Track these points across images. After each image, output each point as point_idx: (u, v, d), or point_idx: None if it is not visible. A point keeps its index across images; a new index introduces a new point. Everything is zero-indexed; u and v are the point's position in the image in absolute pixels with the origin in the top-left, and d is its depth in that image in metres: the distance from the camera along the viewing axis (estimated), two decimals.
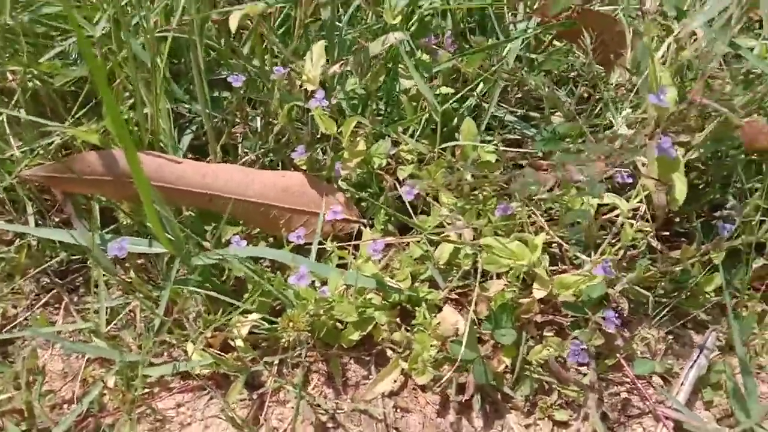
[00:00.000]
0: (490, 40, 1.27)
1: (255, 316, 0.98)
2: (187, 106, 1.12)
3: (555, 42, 1.27)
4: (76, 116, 1.05)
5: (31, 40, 1.10)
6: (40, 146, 1.02)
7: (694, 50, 0.89)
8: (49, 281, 1.14)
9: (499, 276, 1.05)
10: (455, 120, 1.17)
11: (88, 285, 1.17)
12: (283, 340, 0.93)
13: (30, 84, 1.05)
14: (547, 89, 1.02)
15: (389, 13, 1.06)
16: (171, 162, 1.00)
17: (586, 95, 1.32)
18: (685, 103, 0.77)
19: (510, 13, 1.35)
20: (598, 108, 1.23)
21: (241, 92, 1.14)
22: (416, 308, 0.98)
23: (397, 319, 1.01)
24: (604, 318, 0.88)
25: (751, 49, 0.95)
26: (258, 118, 1.21)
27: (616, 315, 0.89)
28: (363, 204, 1.15)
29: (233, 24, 0.93)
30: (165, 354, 1.04)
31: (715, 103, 0.74)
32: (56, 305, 1.14)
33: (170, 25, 1.00)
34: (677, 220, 1.20)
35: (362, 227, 1.13)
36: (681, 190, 0.85)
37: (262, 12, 0.96)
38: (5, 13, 1.04)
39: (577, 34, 1.22)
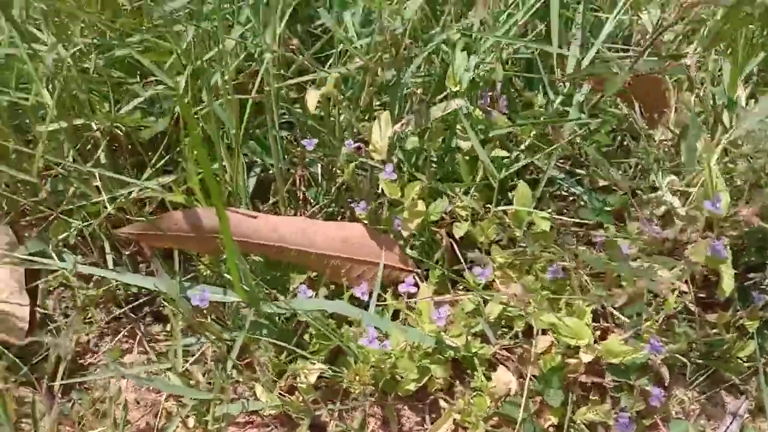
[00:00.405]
0: (538, 94, 1.33)
1: (320, 366, 1.06)
2: (257, 160, 1.19)
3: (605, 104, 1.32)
4: (156, 167, 1.12)
5: (107, 86, 1.17)
6: (122, 195, 1.09)
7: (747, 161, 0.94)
8: (119, 311, 1.22)
9: (545, 332, 1.13)
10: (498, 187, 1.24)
11: (156, 315, 1.25)
12: (349, 390, 1.01)
13: (114, 134, 1.12)
14: (602, 166, 1.08)
15: (452, 80, 1.13)
16: (247, 217, 1.07)
17: (628, 145, 1.38)
18: (738, 213, 0.83)
19: (558, 68, 1.41)
20: (640, 166, 1.29)
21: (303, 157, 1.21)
22: (471, 369, 1.05)
23: (451, 372, 1.09)
24: (648, 389, 0.95)
25: None
26: (319, 165, 1.28)
27: (661, 390, 0.96)
28: (414, 252, 1.22)
29: (311, 104, 1.00)
30: (231, 389, 1.13)
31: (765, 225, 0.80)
32: (125, 333, 1.22)
33: (249, 86, 1.07)
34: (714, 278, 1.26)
35: (416, 278, 1.20)
36: (728, 283, 0.92)
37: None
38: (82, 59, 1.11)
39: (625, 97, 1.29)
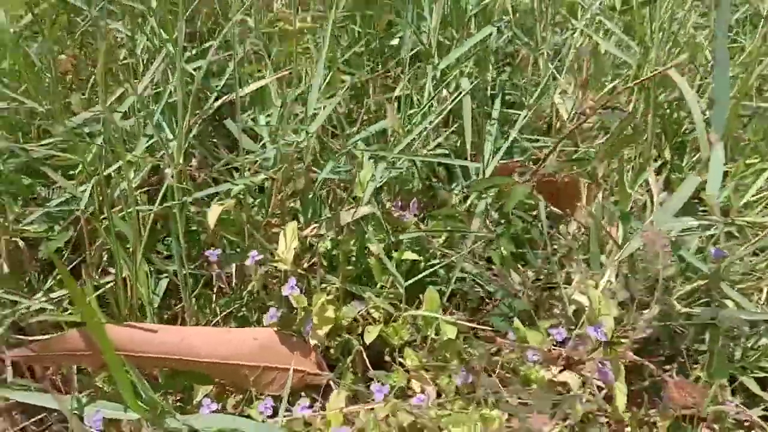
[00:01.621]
0: (453, 192, 1.37)
1: None
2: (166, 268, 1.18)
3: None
4: (58, 277, 1.10)
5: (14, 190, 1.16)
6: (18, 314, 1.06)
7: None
8: None
9: None
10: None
11: None
12: None
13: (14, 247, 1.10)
14: (504, 276, 1.10)
15: (360, 187, 1.15)
16: (146, 332, 1.05)
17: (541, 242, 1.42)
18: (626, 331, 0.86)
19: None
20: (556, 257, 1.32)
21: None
22: None
23: None
24: None
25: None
26: (225, 275, 1.27)
27: None
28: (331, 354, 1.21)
29: (212, 221, 1.01)
30: None
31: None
32: None
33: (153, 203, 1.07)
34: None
35: (331, 382, 1.18)
36: (621, 400, 0.93)
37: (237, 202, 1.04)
38: None
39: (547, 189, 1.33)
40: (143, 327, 1.05)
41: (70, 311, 0.96)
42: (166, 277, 1.19)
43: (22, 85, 1.19)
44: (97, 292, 1.04)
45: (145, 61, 1.26)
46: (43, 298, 1.00)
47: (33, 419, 1.13)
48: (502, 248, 1.16)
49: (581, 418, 1.05)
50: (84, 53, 1.44)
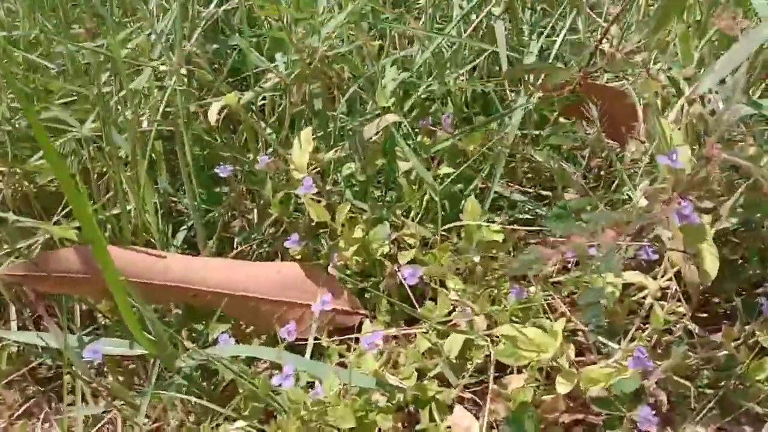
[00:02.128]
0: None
1: (240, 423, 0.87)
2: (175, 199, 1.08)
3: (561, 120, 1.21)
4: (61, 215, 1.01)
5: (28, 144, 1.09)
6: (22, 247, 0.97)
7: (710, 111, 0.82)
8: (33, 390, 1.06)
9: (519, 370, 0.94)
10: (461, 203, 1.10)
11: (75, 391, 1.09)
12: None
13: (19, 186, 1.02)
14: (553, 162, 0.95)
15: (381, 95, 1.03)
16: (152, 257, 0.94)
17: (600, 172, 1.25)
18: (703, 161, 0.68)
19: (513, 93, 1.32)
20: (615, 184, 1.15)
21: (237, 185, 1.10)
22: (421, 411, 0.86)
23: (401, 425, 0.89)
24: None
25: None
26: (255, 210, 1.17)
27: (654, 412, 0.77)
28: (366, 295, 1.06)
29: (212, 117, 0.90)
30: None
31: (737, 159, 0.66)
32: (40, 415, 1.05)
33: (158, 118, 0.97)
34: (716, 300, 1.08)
35: (364, 320, 1.04)
36: (712, 263, 0.75)
37: (249, 101, 0.93)
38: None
39: (579, 112, 1.18)
40: (150, 252, 0.94)
41: (67, 224, 0.86)
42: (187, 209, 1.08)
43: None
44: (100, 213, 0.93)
45: None
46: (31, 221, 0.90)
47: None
48: (551, 139, 1.00)
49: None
50: None
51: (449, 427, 0.83)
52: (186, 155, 0.96)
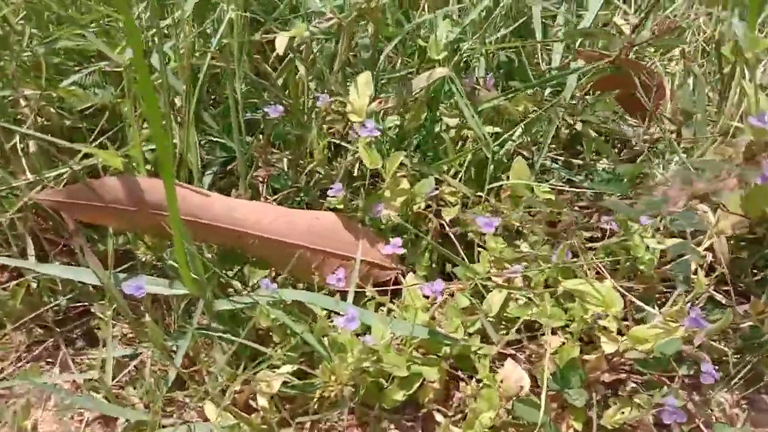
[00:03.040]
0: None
1: (286, 368, 0.86)
2: (215, 139, 1.04)
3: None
4: (94, 144, 0.95)
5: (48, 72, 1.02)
6: (49, 177, 0.92)
7: None
8: (43, 332, 1.01)
9: (554, 332, 0.96)
10: (492, 167, 1.11)
11: (89, 338, 1.04)
12: (323, 396, 0.81)
13: (45, 111, 0.96)
14: (613, 123, 0.96)
15: (434, 47, 1.01)
16: (199, 194, 0.90)
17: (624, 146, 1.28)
18: None
19: (544, 62, 1.32)
20: (639, 159, 1.18)
21: (269, 131, 1.06)
22: (471, 364, 0.86)
23: (446, 377, 0.89)
24: (702, 373, 0.78)
25: None
26: (285, 160, 1.14)
27: (711, 365, 0.79)
28: (403, 251, 1.05)
29: (281, 46, 0.87)
30: (175, 416, 0.91)
31: None
32: (50, 360, 1.01)
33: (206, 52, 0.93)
34: (740, 275, 1.12)
35: (400, 275, 1.03)
36: None
37: (306, 40, 0.90)
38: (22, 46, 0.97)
39: (612, 85, 1.19)
40: (196, 190, 0.90)
41: (110, 154, 0.81)
42: (220, 164, 1.04)
43: None
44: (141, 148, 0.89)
45: None
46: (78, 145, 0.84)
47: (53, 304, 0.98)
48: (599, 106, 1.01)
49: None
50: None
51: (501, 381, 0.83)
52: (236, 90, 0.92)
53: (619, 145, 1.31)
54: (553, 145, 1.26)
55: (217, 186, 1.15)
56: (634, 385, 0.93)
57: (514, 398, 0.81)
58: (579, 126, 1.08)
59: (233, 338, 0.84)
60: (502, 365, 0.90)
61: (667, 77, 1.31)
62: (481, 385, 0.82)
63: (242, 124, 0.96)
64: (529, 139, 1.07)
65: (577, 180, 1.12)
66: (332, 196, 0.99)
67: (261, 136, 1.15)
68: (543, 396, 0.77)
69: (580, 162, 1.18)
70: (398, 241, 0.74)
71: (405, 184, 0.96)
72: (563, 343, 0.93)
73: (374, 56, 1.06)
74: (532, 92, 1.13)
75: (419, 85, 1.01)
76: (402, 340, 0.88)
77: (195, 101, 0.91)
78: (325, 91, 0.98)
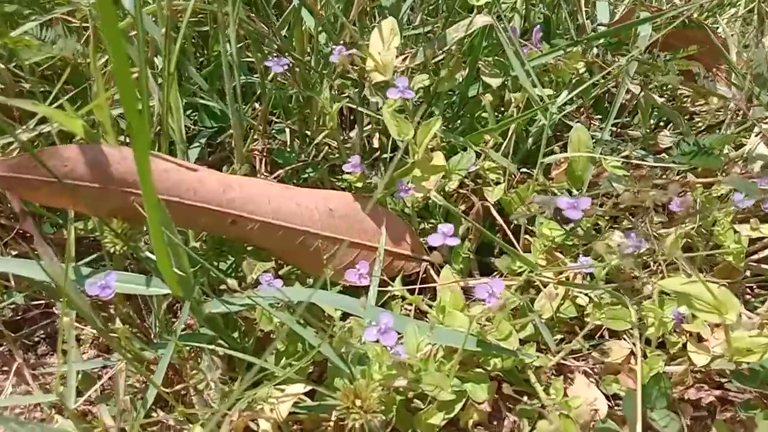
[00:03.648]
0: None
1: (295, 389, 0.68)
2: (205, 102, 0.85)
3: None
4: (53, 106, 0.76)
5: None
6: None
7: None
8: None
9: (614, 334, 0.79)
10: (532, 138, 0.93)
11: (51, 341, 0.86)
12: (341, 422, 0.63)
13: None
14: (705, 80, 0.78)
15: None
16: (184, 168, 0.71)
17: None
18: None
19: (588, 19, 1.14)
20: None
21: (268, 96, 0.88)
22: (523, 378, 0.69)
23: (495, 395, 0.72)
24: None
25: None
26: (287, 130, 0.95)
27: None
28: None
29: None
30: None
31: None
32: (4, 368, 0.83)
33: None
34: None
35: (430, 267, 0.85)
36: None
37: None
38: None
39: (682, 43, 1.01)
40: (180, 163, 0.72)
41: (69, 114, 0.62)
42: (196, 125, 0.86)
43: None
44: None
45: None
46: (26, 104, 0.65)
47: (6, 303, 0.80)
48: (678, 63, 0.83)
49: None
50: None
51: (570, 404, 0.65)
52: (230, 41, 0.73)
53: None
54: (599, 115, 1.08)
55: (204, 161, 0.97)
56: (715, 401, 0.76)
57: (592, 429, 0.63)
58: (635, 89, 0.89)
59: (228, 350, 0.66)
60: (558, 377, 0.73)
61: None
62: (545, 406, 0.64)
63: (238, 84, 0.77)
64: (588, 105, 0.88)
65: (639, 154, 0.94)
66: (348, 173, 0.81)
67: (257, 102, 0.97)
68: (638, 421, 0.59)
69: (637, 134, 1.00)
70: (448, 228, 0.55)
71: (439, 158, 0.78)
72: (630, 353, 0.76)
73: (398, 3, 0.87)
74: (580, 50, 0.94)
75: (455, 37, 0.82)
76: (436, 348, 0.70)
77: (177, 52, 0.72)
78: (341, 42, 0.80)
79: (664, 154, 0.96)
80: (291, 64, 0.80)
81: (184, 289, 0.69)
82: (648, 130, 1.00)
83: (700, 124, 1.06)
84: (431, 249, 0.88)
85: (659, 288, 0.64)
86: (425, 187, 0.77)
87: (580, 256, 0.74)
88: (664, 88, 1.02)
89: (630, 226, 0.79)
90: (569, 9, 1.05)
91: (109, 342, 0.71)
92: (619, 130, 1.03)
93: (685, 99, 1.15)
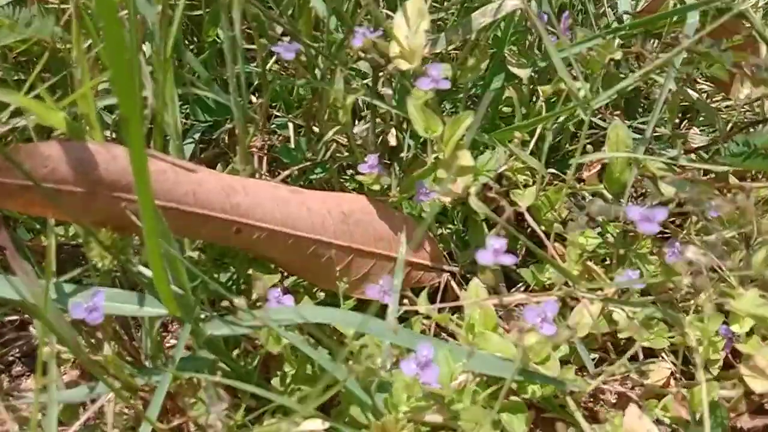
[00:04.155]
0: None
1: (311, 425, 0.59)
2: (202, 93, 0.75)
3: None
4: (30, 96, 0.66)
5: None
6: None
7: None
8: None
9: (650, 352, 0.73)
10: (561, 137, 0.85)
11: (28, 361, 0.77)
12: None
13: None
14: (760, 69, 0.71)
15: None
16: (182, 169, 0.62)
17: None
18: None
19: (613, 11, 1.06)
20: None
21: (271, 86, 0.79)
22: (559, 404, 0.62)
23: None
24: None
25: None
26: (290, 125, 0.86)
27: None
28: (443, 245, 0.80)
29: None
30: None
31: None
32: None
33: None
34: None
35: (450, 279, 0.78)
36: None
37: None
38: None
39: (725, 34, 0.94)
40: (178, 163, 0.62)
41: (48, 107, 0.52)
42: (189, 119, 0.77)
43: None
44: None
45: None
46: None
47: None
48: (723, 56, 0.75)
49: None
50: None
51: None
52: (234, 23, 0.64)
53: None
54: (617, 112, 1.01)
55: (196, 158, 0.88)
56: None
57: None
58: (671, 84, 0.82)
59: (231, 380, 0.57)
60: (610, 408, 0.66)
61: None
62: None
63: (242, 72, 0.67)
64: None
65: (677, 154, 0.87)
66: (366, 173, 0.72)
67: (253, 95, 0.88)
68: None
69: (666, 131, 0.93)
70: (500, 243, 0.48)
71: (467, 157, 0.70)
72: (671, 375, 0.69)
73: None
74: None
75: (481, 22, 0.74)
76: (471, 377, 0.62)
77: (174, 36, 0.62)
78: (362, 24, 0.71)
79: (693, 154, 0.90)
80: (299, 51, 0.71)
81: (183, 309, 0.60)
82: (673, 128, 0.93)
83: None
84: (451, 258, 0.81)
85: (732, 308, 0.57)
86: (452, 190, 0.69)
87: (626, 270, 0.66)
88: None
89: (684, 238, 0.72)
90: None
91: (94, 372, 0.62)
92: (639, 125, 0.96)
93: (702, 94, 1.08)
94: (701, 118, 1.06)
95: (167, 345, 0.84)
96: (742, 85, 1.01)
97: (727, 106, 1.09)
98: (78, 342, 0.57)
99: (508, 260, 0.48)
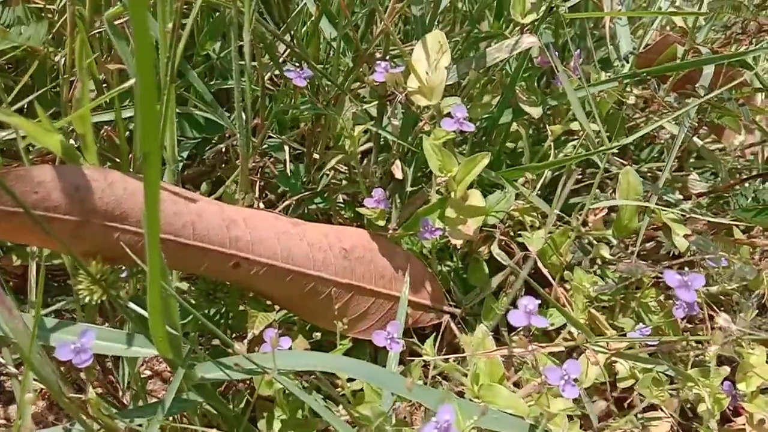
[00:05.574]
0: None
1: None
2: (198, 112, 0.71)
3: None
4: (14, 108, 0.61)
5: None
6: None
7: None
8: None
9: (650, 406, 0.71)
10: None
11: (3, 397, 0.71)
12: None
13: None
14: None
15: (519, 7, 0.72)
16: (181, 198, 0.58)
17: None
18: None
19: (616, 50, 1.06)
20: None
21: (266, 108, 0.75)
22: None
23: None
24: None
25: None
26: (286, 148, 0.82)
27: None
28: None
29: None
30: None
31: None
32: None
33: None
34: None
35: (451, 321, 0.75)
36: None
37: None
38: None
39: (683, 85, 0.95)
40: (176, 191, 0.58)
41: (44, 127, 0.47)
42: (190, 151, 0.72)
43: None
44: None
45: None
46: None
47: None
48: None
49: None
50: None
51: None
52: (245, 43, 0.60)
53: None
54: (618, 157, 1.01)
55: (179, 174, 0.83)
56: None
57: None
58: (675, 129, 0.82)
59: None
60: None
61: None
62: None
63: (249, 93, 0.63)
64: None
65: (673, 200, 0.86)
66: (370, 207, 0.69)
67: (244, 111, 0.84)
68: None
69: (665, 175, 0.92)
70: (533, 303, 0.45)
71: (477, 198, 0.67)
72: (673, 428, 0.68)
73: (426, 15, 0.76)
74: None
75: (496, 57, 0.72)
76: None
77: (182, 50, 0.58)
78: (380, 53, 0.68)
79: (698, 200, 0.89)
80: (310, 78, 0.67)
81: (174, 351, 0.55)
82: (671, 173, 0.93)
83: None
84: (449, 294, 0.78)
85: (744, 364, 0.56)
86: (462, 232, 0.66)
87: (634, 323, 0.65)
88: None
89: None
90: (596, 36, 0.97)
91: (73, 414, 0.56)
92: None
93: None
94: (692, 160, 1.06)
95: (143, 375, 0.79)
96: (740, 132, 1.03)
97: (720, 150, 1.09)
98: (59, 384, 0.52)
99: (542, 323, 0.45)
